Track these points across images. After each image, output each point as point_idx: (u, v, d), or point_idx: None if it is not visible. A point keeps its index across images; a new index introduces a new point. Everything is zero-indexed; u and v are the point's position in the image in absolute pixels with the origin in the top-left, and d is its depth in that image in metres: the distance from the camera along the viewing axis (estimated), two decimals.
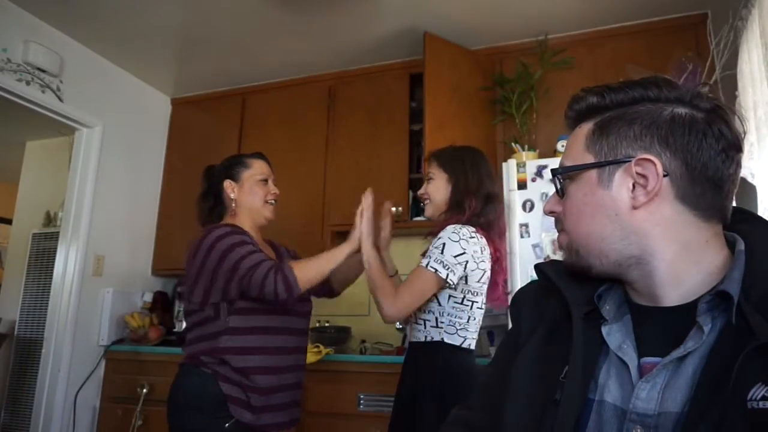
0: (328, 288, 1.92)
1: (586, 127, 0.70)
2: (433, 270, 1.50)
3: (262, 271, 1.55)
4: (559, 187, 0.72)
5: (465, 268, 1.54)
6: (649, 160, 0.63)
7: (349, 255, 1.67)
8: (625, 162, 0.64)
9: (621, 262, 0.65)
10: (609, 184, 0.66)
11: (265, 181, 1.81)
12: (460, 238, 1.54)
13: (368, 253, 1.62)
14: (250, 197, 1.77)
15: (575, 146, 0.71)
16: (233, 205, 1.77)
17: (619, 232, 0.65)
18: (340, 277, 1.90)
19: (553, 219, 0.76)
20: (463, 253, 1.53)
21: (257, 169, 1.81)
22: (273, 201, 1.82)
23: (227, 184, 1.78)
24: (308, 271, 1.61)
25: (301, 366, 1.75)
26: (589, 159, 0.68)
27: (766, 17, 1.70)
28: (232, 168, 1.81)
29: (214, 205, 1.81)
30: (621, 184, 0.65)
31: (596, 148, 0.68)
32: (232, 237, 1.62)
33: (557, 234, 0.75)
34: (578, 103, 0.71)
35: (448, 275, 1.51)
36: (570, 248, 0.70)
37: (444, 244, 1.53)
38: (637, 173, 0.63)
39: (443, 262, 1.51)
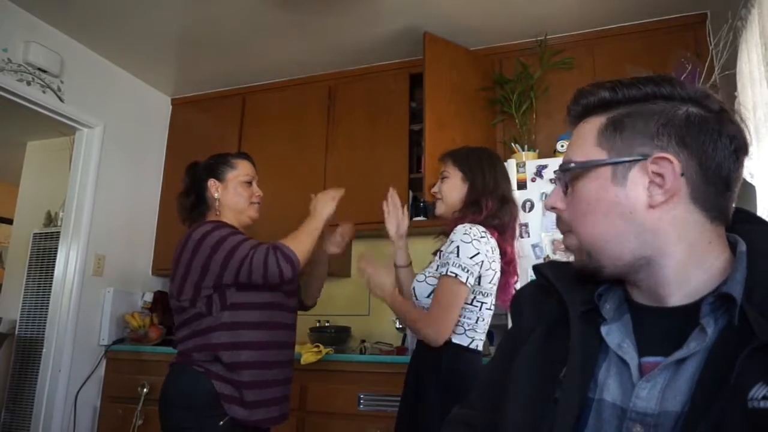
0: (300, 303, 1.92)
1: (596, 122, 0.68)
2: (453, 275, 1.50)
3: (261, 254, 1.56)
4: (565, 183, 0.70)
5: (480, 267, 1.54)
6: (667, 159, 0.62)
7: (329, 217, 1.73)
8: (640, 160, 0.63)
9: (633, 262, 0.64)
10: (624, 182, 0.64)
11: (250, 182, 1.80)
12: (472, 239, 1.53)
13: (385, 287, 1.64)
14: (235, 198, 1.77)
15: (584, 141, 0.69)
16: (217, 204, 1.76)
17: (633, 232, 0.64)
18: (309, 291, 1.95)
19: (551, 218, 0.76)
20: (478, 253, 1.52)
21: (242, 170, 1.80)
22: (257, 202, 1.82)
23: (211, 183, 1.77)
24: (302, 243, 1.65)
25: (290, 361, 1.75)
26: (602, 155, 0.66)
27: (766, 17, 1.71)
28: (217, 167, 1.79)
29: (196, 202, 1.80)
30: (636, 182, 0.64)
31: (609, 145, 0.66)
32: (221, 230, 1.63)
33: (562, 235, 0.72)
34: (586, 97, 0.69)
35: (468, 278, 1.51)
36: (579, 248, 0.68)
37: (458, 247, 1.52)
38: (653, 172, 0.63)
39: (461, 265, 1.50)
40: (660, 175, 0.62)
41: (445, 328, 1.51)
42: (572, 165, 0.68)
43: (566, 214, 0.69)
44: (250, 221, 1.81)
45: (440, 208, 1.73)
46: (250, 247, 1.58)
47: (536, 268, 0.77)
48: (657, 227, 0.63)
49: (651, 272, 0.64)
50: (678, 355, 0.58)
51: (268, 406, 1.62)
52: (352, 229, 1.98)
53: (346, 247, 1.98)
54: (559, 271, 0.74)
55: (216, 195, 1.76)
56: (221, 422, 1.54)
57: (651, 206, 0.63)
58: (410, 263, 1.88)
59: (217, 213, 1.76)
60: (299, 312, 1.89)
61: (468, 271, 1.51)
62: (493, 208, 1.63)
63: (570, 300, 0.69)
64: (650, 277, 0.64)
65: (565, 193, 0.69)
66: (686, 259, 0.63)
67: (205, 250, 1.58)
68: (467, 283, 1.51)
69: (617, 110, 0.67)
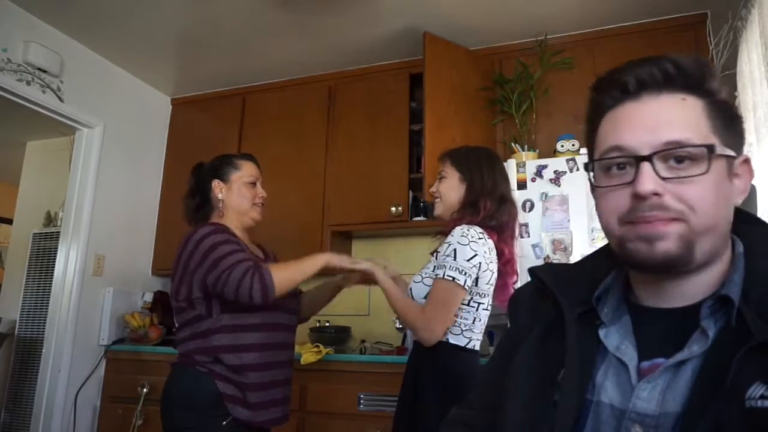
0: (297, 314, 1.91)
1: (696, 103, 0.61)
2: (451, 278, 1.49)
3: (239, 272, 1.52)
4: (705, 160, 0.59)
5: (478, 270, 1.54)
6: (749, 162, 0.62)
7: (323, 266, 1.66)
8: (736, 157, 0.62)
9: (709, 260, 0.61)
10: (731, 177, 0.62)
11: (254, 183, 1.80)
12: (469, 241, 1.53)
13: (383, 280, 1.64)
14: (238, 199, 1.77)
15: (696, 122, 0.61)
16: (220, 205, 1.76)
17: (727, 228, 0.62)
18: (309, 304, 1.92)
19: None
20: (475, 255, 1.52)
21: (246, 171, 1.80)
22: (260, 204, 1.82)
23: (215, 184, 1.77)
24: (285, 275, 1.59)
25: (290, 362, 1.76)
26: (715, 142, 0.60)
27: (766, 17, 1.71)
28: (221, 168, 1.79)
29: (200, 203, 1.80)
30: (734, 180, 0.62)
31: (725, 135, 0.61)
32: (216, 235, 1.62)
33: (650, 222, 0.59)
34: (688, 67, 0.61)
35: (465, 281, 1.51)
36: (683, 238, 0.58)
37: (455, 249, 1.52)
38: (735, 173, 0.62)
39: (458, 268, 1.50)
40: (738, 175, 0.62)
41: (439, 330, 1.51)
42: (717, 148, 0.59)
43: (667, 198, 0.59)
44: (252, 223, 1.81)
45: (438, 209, 1.72)
46: (234, 261, 1.56)
47: (531, 271, 0.77)
48: (729, 227, 0.63)
49: (701, 272, 0.61)
50: (679, 357, 0.58)
51: (271, 407, 1.63)
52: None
53: (357, 281, 1.87)
54: (555, 273, 0.74)
55: (220, 196, 1.77)
56: (224, 422, 1.54)
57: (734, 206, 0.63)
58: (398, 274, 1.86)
59: (221, 214, 1.77)
60: None
61: (465, 273, 1.50)
62: (491, 208, 1.62)
63: (565, 302, 0.69)
64: (691, 276, 0.62)
65: (662, 177, 0.59)
66: (722, 259, 0.63)
67: (199, 253, 1.59)
68: (465, 286, 1.51)
69: (712, 96, 0.62)
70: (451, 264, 1.51)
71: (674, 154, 0.59)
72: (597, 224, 2.24)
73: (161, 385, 1.65)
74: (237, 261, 1.55)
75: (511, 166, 2.46)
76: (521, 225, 2.35)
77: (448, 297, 1.51)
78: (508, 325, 0.83)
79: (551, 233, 2.32)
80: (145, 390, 2.77)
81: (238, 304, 1.57)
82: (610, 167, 0.63)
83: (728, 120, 0.62)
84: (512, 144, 2.70)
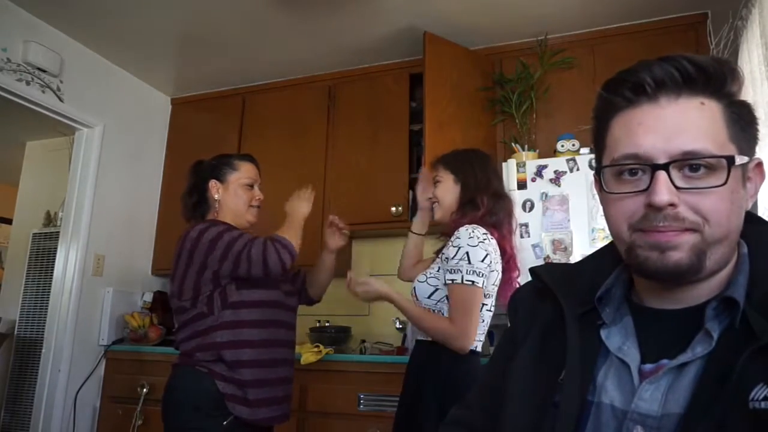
0: (305, 296, 1.97)
1: (715, 108, 0.59)
2: (470, 282, 1.51)
3: (259, 247, 1.58)
4: (725, 171, 0.57)
5: (489, 268, 1.55)
6: (762, 166, 0.61)
7: (305, 216, 1.78)
8: (748, 162, 0.61)
9: (719, 269, 0.60)
10: (744, 183, 0.60)
11: (251, 185, 1.80)
12: (479, 241, 1.54)
13: (396, 298, 1.61)
14: (234, 200, 1.77)
15: (716, 129, 0.58)
16: (216, 205, 1.77)
17: (737, 235, 0.61)
18: (316, 284, 1.96)
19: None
20: (487, 254, 1.54)
21: (244, 172, 1.80)
22: (257, 206, 1.82)
23: (212, 183, 1.77)
24: (293, 236, 1.68)
25: (291, 360, 1.76)
26: (732, 151, 0.58)
27: (766, 17, 1.71)
28: (219, 168, 1.79)
29: (198, 202, 1.80)
30: (747, 185, 0.61)
31: (740, 141, 0.59)
32: (217, 227, 1.64)
33: (664, 231, 0.58)
34: (709, 67, 0.58)
35: (483, 282, 1.52)
36: (694, 248, 0.58)
37: (467, 253, 1.52)
38: (748, 177, 0.61)
39: (475, 271, 1.51)
40: (750, 179, 0.61)
41: (473, 336, 1.53)
42: (736, 159, 0.57)
43: (682, 209, 0.58)
44: (248, 225, 1.81)
45: (437, 213, 1.74)
46: (246, 240, 1.60)
47: (532, 271, 0.77)
48: (739, 233, 0.61)
49: (710, 278, 0.60)
50: (683, 358, 0.58)
51: (271, 404, 1.63)
52: (340, 220, 1.99)
53: (344, 236, 1.99)
54: (556, 273, 0.74)
55: (216, 196, 1.76)
56: (225, 422, 1.54)
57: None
58: (425, 233, 1.90)
59: (216, 214, 1.77)
60: (304, 309, 1.92)
61: (482, 275, 1.52)
62: (489, 204, 1.64)
63: (567, 302, 0.68)
64: (704, 282, 0.61)
65: (677, 187, 0.58)
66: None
67: (203, 248, 1.59)
68: (483, 287, 1.53)
69: (730, 98, 0.60)
70: (467, 268, 1.51)
71: (691, 163, 0.57)
72: (597, 224, 2.25)
73: (161, 385, 1.65)
74: (248, 240, 1.60)
75: (511, 166, 2.45)
76: (521, 225, 2.35)
77: (471, 301, 1.52)
78: (508, 325, 0.83)
79: (551, 233, 2.31)
80: (144, 390, 2.77)
81: (241, 299, 1.60)
82: (621, 172, 0.61)
83: (745, 124, 0.60)
84: (512, 144, 2.70)
